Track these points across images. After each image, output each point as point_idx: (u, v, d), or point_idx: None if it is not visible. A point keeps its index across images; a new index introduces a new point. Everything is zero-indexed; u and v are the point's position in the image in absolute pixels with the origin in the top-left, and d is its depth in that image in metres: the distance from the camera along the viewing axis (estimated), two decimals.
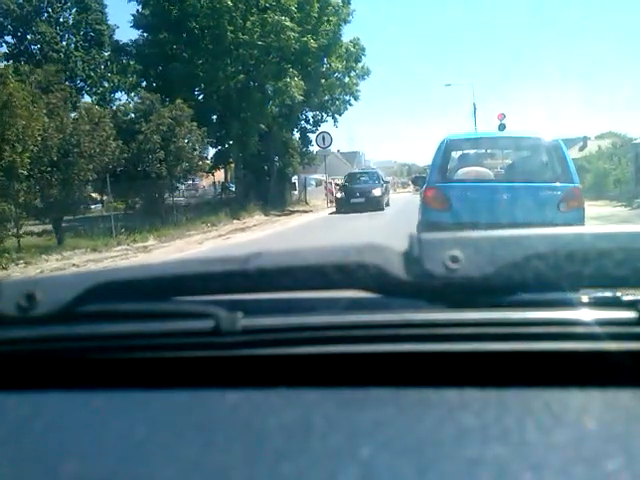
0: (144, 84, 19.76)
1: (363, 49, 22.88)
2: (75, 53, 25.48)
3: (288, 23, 17.80)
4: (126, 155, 13.60)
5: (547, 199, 5.22)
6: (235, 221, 17.03)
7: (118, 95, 21.42)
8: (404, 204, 17.60)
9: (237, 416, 0.56)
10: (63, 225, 14.14)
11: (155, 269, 0.76)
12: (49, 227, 12.79)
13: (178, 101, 15.59)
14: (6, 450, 0.54)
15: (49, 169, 10.99)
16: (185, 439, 0.52)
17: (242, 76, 18.14)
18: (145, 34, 19.89)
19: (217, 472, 0.48)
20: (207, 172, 22.03)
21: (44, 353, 0.66)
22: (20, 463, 0.51)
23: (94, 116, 12.02)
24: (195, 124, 15.65)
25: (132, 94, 20.14)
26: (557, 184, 5.33)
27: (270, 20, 17.73)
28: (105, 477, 0.48)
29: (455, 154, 6.91)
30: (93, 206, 15.09)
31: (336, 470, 0.46)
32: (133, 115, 15.37)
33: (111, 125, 13.02)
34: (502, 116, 6.28)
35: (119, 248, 11.86)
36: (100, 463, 0.50)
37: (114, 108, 15.65)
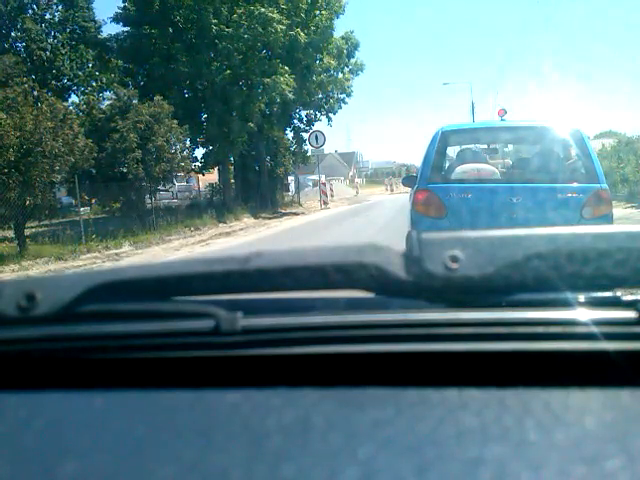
0: (130, 82, 18.85)
1: (356, 45, 22.00)
2: (62, 51, 24.87)
3: (275, 15, 16.85)
4: (97, 155, 12.62)
5: (567, 204, 4.20)
6: (221, 224, 16.31)
7: (107, 95, 20.74)
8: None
9: (237, 416, 0.56)
10: (33, 231, 13.21)
11: (155, 269, 0.75)
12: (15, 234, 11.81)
13: (157, 97, 14.66)
14: (6, 450, 0.54)
15: (6, 170, 9.99)
16: (185, 439, 0.52)
17: (228, 72, 17.20)
18: (126, 28, 18.98)
19: (217, 472, 0.47)
20: (197, 173, 21.24)
21: (44, 353, 0.67)
22: (19, 463, 0.51)
23: (59, 112, 10.97)
24: (175, 122, 14.69)
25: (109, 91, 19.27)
26: (579, 185, 4.29)
27: (257, 12, 16.76)
28: (104, 477, 0.48)
29: (452, 149, 5.84)
30: (82, 209, 14.08)
31: (336, 470, 0.46)
32: (108, 112, 14.38)
33: (79, 122, 12.01)
34: (503, 112, 5.41)
35: (88, 256, 11.04)
36: (99, 463, 0.50)
37: (90, 105, 14.60)
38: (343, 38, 21.73)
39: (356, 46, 22.47)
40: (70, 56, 25.17)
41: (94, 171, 13.93)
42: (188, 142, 17.43)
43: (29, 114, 10.37)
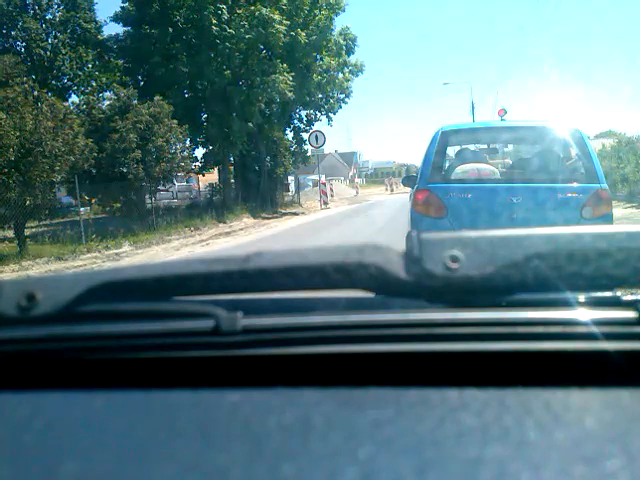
0: (130, 82, 18.84)
1: (354, 39, 21.99)
2: (62, 51, 24.87)
3: (276, 16, 16.83)
4: (97, 155, 12.61)
5: (567, 204, 4.19)
6: (221, 224, 16.30)
7: (107, 95, 20.78)
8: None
9: (237, 416, 0.56)
10: (33, 231, 13.20)
11: (155, 269, 0.75)
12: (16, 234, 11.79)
13: (157, 97, 14.65)
14: (6, 450, 0.53)
15: (6, 170, 9.98)
16: (185, 439, 0.52)
17: (228, 72, 17.18)
18: (126, 28, 18.99)
19: (217, 472, 0.47)
20: (197, 173, 21.23)
21: (44, 353, 0.67)
22: (20, 463, 0.51)
23: (59, 112, 10.97)
24: (175, 121, 14.69)
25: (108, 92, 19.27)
26: (579, 185, 4.28)
27: (257, 13, 16.75)
28: (105, 477, 0.48)
29: (452, 149, 5.84)
30: (82, 209, 14.08)
31: (336, 470, 0.46)
32: (107, 112, 14.38)
33: (79, 122, 12.00)
34: (503, 112, 5.41)
35: (88, 255, 11.06)
36: (100, 463, 0.50)
37: (90, 105, 14.60)
38: (341, 34, 21.71)
39: (354, 40, 22.42)
40: (70, 56, 25.16)
41: (94, 171, 13.92)
42: (188, 142, 17.44)
43: (29, 114, 10.36)
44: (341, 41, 21.24)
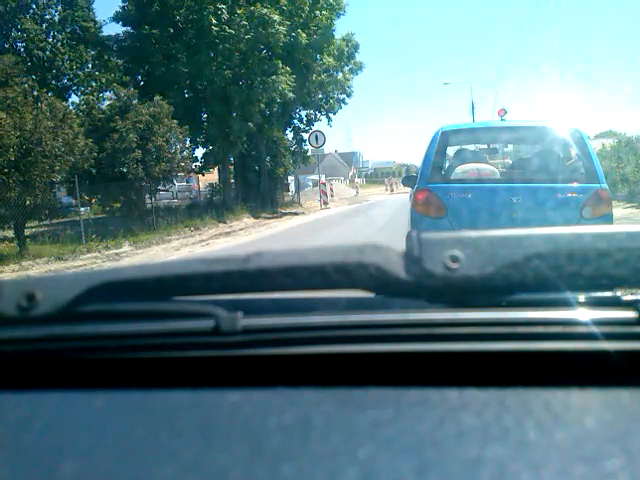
0: (130, 82, 18.84)
1: (356, 46, 22.06)
2: (61, 50, 24.86)
3: (276, 17, 16.83)
4: (97, 155, 12.61)
5: (567, 204, 4.20)
6: (221, 224, 16.30)
7: (107, 95, 20.78)
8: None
9: (237, 416, 0.56)
10: (33, 231, 13.20)
11: (155, 269, 0.75)
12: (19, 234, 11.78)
13: (157, 97, 14.65)
14: (6, 450, 0.53)
15: (6, 170, 9.98)
16: (185, 439, 0.52)
17: (228, 72, 17.18)
18: (125, 27, 19.01)
19: (217, 472, 0.47)
20: (197, 173, 21.24)
21: (44, 353, 0.67)
22: (20, 463, 0.51)
23: (58, 112, 10.96)
24: (175, 121, 14.69)
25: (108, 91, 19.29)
26: (579, 185, 4.29)
27: (257, 14, 16.75)
28: (105, 477, 0.48)
29: (452, 149, 5.84)
30: (82, 209, 14.06)
31: (336, 470, 0.46)
32: (107, 112, 14.39)
33: (79, 122, 12.01)
34: (503, 112, 5.42)
35: (88, 255, 11.06)
36: (100, 463, 0.50)
37: (90, 105, 14.61)
38: (344, 39, 21.75)
39: (356, 47, 22.52)
40: (70, 56, 25.16)
41: (94, 171, 13.92)
42: (188, 142, 17.46)
43: (29, 114, 10.37)
44: (344, 46, 21.29)
